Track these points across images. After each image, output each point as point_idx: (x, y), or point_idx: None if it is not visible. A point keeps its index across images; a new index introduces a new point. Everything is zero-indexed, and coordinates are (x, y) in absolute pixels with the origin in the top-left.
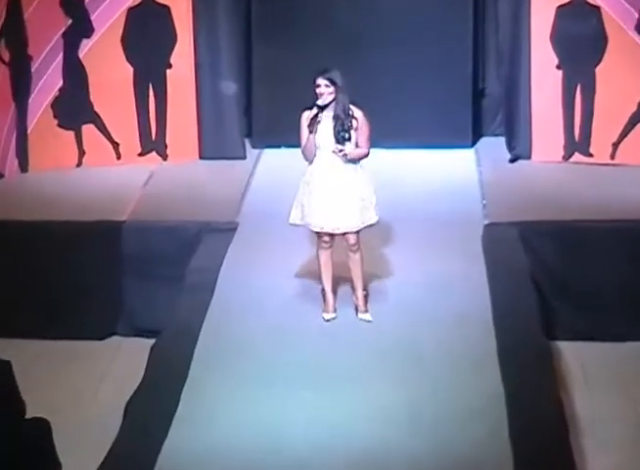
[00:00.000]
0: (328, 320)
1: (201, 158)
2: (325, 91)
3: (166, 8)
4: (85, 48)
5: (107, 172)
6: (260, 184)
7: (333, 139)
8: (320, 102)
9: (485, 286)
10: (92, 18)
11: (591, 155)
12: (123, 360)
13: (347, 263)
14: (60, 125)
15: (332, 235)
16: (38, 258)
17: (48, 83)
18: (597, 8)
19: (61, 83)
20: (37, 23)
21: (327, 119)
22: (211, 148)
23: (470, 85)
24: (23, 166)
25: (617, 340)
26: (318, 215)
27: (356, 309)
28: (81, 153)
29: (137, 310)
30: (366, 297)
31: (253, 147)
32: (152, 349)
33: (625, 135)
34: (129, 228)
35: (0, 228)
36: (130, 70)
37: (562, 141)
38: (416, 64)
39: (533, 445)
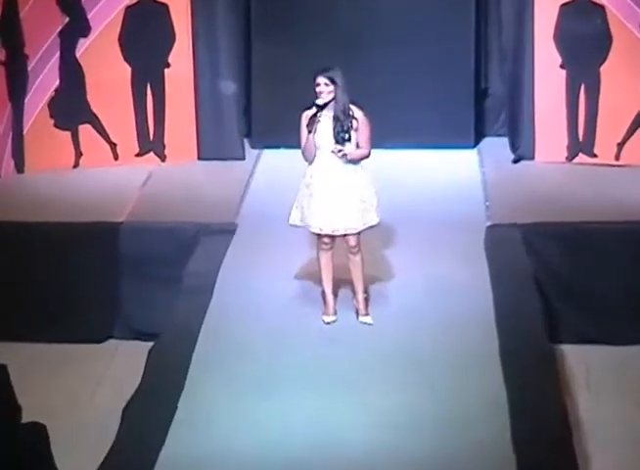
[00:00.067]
0: (328, 323)
1: (199, 158)
2: (324, 90)
3: (165, 6)
4: (82, 47)
5: (104, 173)
6: (260, 185)
7: (332, 139)
8: (319, 101)
9: (488, 289)
10: (89, 16)
11: (595, 155)
12: (121, 364)
13: (348, 266)
14: (56, 126)
15: (332, 237)
16: (34, 259)
17: (44, 83)
18: (601, 6)
19: (57, 83)
20: (33, 21)
21: (327, 119)
22: (210, 148)
23: (472, 85)
24: (20, 167)
25: (622, 343)
26: (317, 217)
27: (357, 312)
28: (78, 153)
29: (134, 313)
30: (367, 299)
31: (253, 147)
32: (149, 352)
33: (630, 135)
34: (127, 230)
35: None
36: (128, 69)
37: (566, 141)
38: (418, 63)
39: (536, 448)
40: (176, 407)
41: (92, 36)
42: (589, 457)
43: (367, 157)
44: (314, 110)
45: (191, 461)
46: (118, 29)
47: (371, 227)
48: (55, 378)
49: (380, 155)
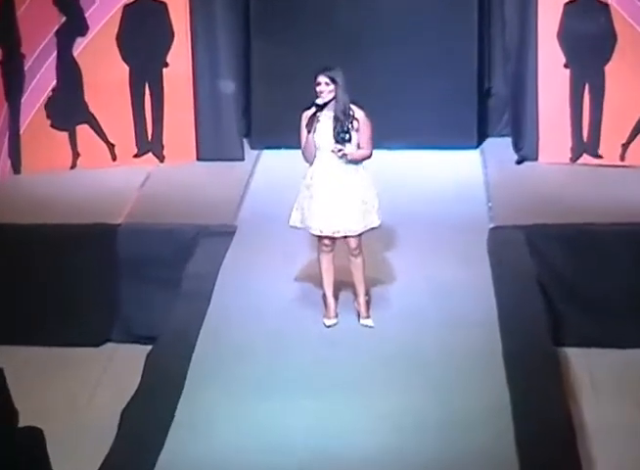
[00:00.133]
0: (329, 326)
1: (198, 159)
2: (325, 89)
3: (163, 5)
4: (80, 46)
5: (102, 174)
6: (259, 186)
7: (332, 139)
8: (319, 100)
9: (491, 291)
10: (87, 15)
11: (600, 156)
12: (119, 368)
13: (349, 268)
14: (53, 126)
15: (333, 239)
16: (31, 261)
17: (41, 83)
18: (606, 5)
19: (54, 83)
20: (30, 20)
21: (327, 119)
22: (209, 149)
23: (475, 84)
24: (16, 168)
25: (626, 346)
26: (317, 218)
27: (358, 315)
28: (75, 154)
29: (133, 316)
30: (368, 302)
31: (252, 148)
32: (148, 355)
33: (635, 136)
34: (125, 231)
35: None
36: (126, 68)
37: (570, 142)
38: (420, 63)
39: (540, 452)
40: (175, 412)
41: (90, 35)
42: (593, 460)
43: (368, 157)
44: (313, 109)
45: (190, 464)
46: (116, 28)
47: (372, 229)
48: (52, 381)
49: (382, 155)
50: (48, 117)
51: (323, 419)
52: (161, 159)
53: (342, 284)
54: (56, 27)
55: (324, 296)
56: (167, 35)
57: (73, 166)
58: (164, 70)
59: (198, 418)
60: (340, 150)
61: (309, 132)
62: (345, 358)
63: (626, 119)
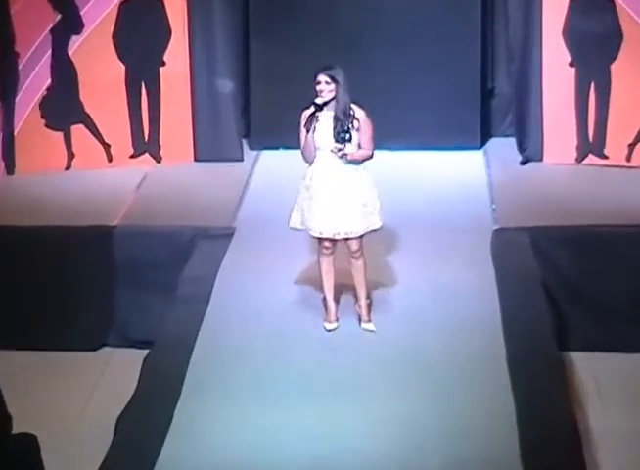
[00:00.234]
0: (329, 330)
1: (196, 160)
2: (325, 88)
3: (160, 2)
4: (75, 45)
5: (97, 175)
6: (258, 187)
7: (332, 139)
8: (319, 100)
9: (495, 294)
10: (82, 13)
11: (606, 156)
12: (115, 372)
13: (350, 271)
14: (48, 126)
15: (333, 241)
16: (25, 264)
17: (36, 82)
18: (612, 2)
19: (49, 82)
20: (25, 18)
21: (327, 119)
22: (207, 149)
23: (478, 84)
24: (10, 169)
25: (632, 351)
26: (317, 220)
27: (359, 319)
28: (70, 155)
29: (129, 320)
30: (369, 306)
31: (251, 148)
32: (145, 360)
33: None
34: (121, 234)
35: None
36: (122, 67)
37: (575, 142)
38: (422, 62)
39: (545, 457)
40: (172, 417)
41: (85, 34)
42: (599, 466)
43: (370, 158)
44: (312, 108)
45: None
46: (112, 26)
47: (373, 231)
48: (48, 386)
49: (383, 156)
50: (42, 116)
51: (323, 424)
52: (158, 159)
53: (343, 287)
54: (50, 25)
55: (324, 299)
56: (164, 33)
57: (68, 167)
58: (161, 68)
59: (195, 423)
60: (339, 149)
61: (309, 132)
62: (346, 363)
63: (633, 119)
